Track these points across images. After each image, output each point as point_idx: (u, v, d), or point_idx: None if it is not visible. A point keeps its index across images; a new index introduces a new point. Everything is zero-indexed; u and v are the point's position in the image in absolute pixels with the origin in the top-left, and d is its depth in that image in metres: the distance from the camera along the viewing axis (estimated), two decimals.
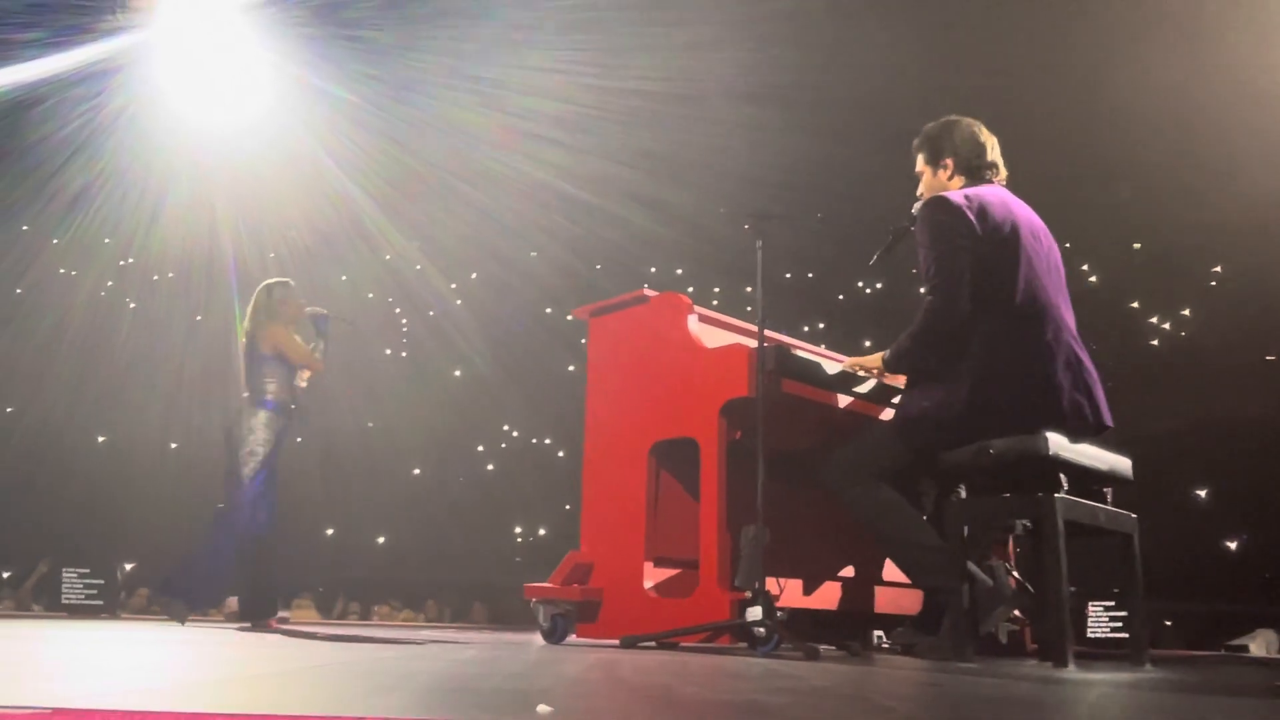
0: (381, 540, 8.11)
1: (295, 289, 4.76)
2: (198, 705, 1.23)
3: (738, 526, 2.83)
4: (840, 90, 6.68)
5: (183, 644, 2.88)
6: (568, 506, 6.81)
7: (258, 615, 4.43)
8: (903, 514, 2.81)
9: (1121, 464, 2.83)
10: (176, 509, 7.02)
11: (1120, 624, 4.87)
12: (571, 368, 7.67)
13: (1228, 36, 5.87)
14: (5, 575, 7.73)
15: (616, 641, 3.06)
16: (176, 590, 4.48)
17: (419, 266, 8.47)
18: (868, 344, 6.49)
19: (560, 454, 7.93)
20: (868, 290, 7.64)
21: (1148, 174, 6.05)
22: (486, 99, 7.58)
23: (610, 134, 7.39)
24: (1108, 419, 2.75)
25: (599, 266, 7.89)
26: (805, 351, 3.31)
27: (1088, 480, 2.72)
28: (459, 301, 8.51)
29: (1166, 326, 6.55)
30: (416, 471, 8.22)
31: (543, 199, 7.87)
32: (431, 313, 8.56)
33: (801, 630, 2.78)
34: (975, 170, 2.94)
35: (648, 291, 3.41)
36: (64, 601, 6.59)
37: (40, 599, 7.19)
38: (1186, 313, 6.51)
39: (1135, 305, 6.65)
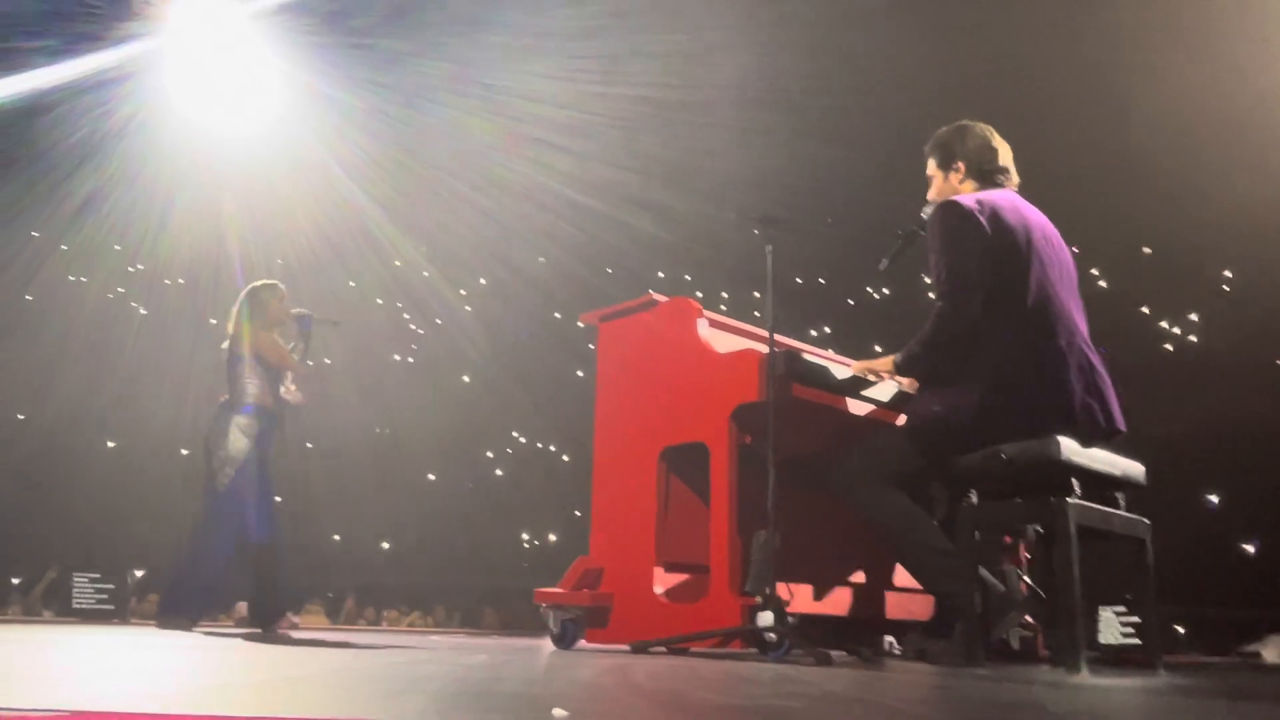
0: (390, 545, 8.12)
1: (280, 290, 4.70)
2: (212, 709, 1.23)
3: (748, 531, 2.82)
4: (848, 95, 6.68)
5: (193, 649, 2.88)
6: (577, 512, 6.81)
7: (266, 620, 4.43)
8: (914, 519, 2.80)
9: (1134, 468, 2.82)
10: (186, 514, 7.03)
11: (1132, 629, 4.84)
12: (580, 373, 7.67)
13: (1236, 37, 5.86)
14: (15, 581, 7.76)
15: (627, 647, 3.06)
16: (169, 608, 4.45)
17: (426, 273, 8.49)
18: (878, 349, 6.48)
19: (568, 459, 7.93)
20: (876, 295, 7.63)
21: (1157, 176, 6.03)
22: (494, 106, 7.59)
23: (617, 140, 7.40)
24: (1120, 423, 2.73)
25: (609, 270, 7.89)
26: (815, 356, 3.31)
27: (1100, 485, 2.71)
28: (468, 308, 8.52)
29: (1176, 330, 6.52)
30: (432, 477, 8.22)
31: (550, 205, 7.88)
32: (439, 320, 8.57)
33: (812, 636, 2.77)
34: (987, 175, 2.93)
35: (657, 296, 3.41)
36: (75, 607, 6.61)
37: (51, 604, 7.22)
38: (1198, 316, 6.48)
39: (1146, 310, 6.62)
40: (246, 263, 7.67)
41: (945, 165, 2.99)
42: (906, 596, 3.43)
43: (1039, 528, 2.78)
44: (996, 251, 2.73)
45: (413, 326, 8.71)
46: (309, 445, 8.04)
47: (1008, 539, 3.37)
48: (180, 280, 8.44)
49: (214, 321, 8.17)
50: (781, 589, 2.78)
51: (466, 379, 8.35)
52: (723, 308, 7.03)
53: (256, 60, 7.41)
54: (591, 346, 3.61)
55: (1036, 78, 6.24)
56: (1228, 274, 6.42)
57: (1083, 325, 2.82)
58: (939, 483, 2.98)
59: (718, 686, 1.76)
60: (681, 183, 7.38)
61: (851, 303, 7.71)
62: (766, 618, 2.65)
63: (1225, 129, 5.86)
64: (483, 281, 8.58)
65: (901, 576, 3.39)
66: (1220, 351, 6.18)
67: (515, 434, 8.36)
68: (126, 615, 6.67)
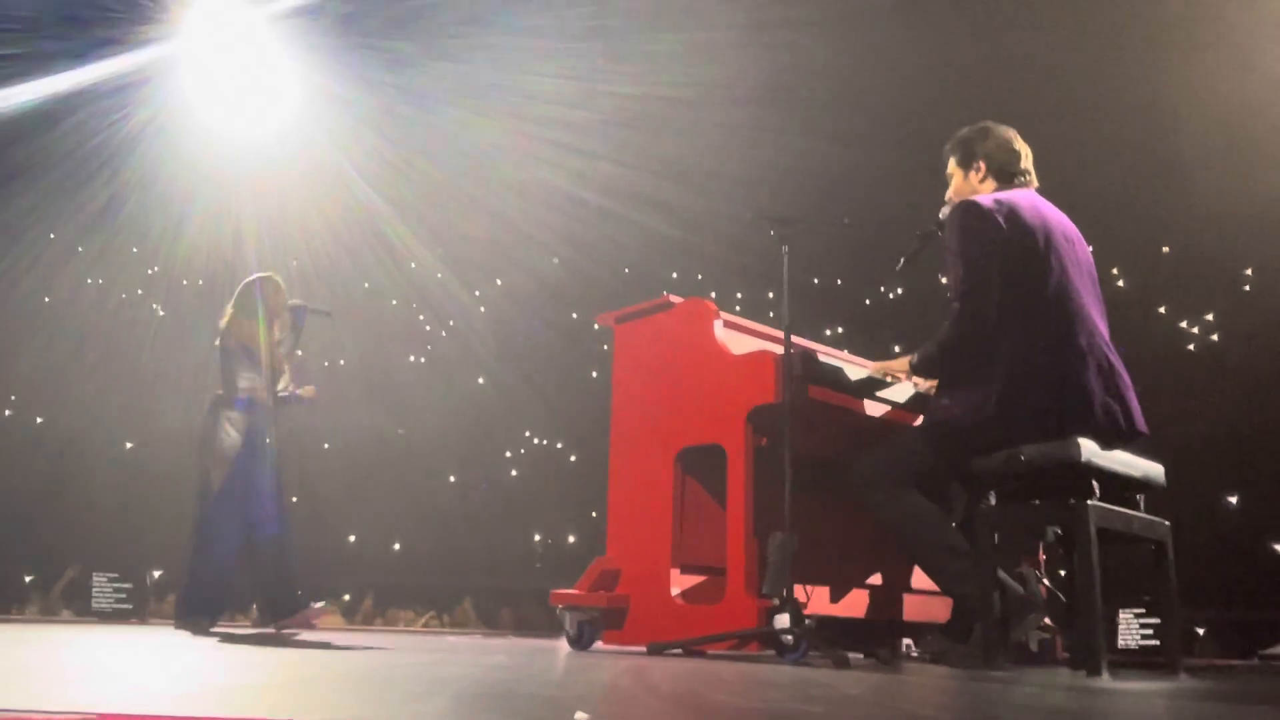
0: (405, 546, 8.15)
1: (275, 282, 4.61)
2: (230, 712, 1.24)
3: (765, 533, 2.82)
4: (865, 93, 6.66)
5: (214, 649, 2.90)
6: (594, 513, 6.81)
7: (278, 616, 4.39)
8: (932, 520, 2.79)
9: (1154, 470, 2.80)
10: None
11: (1152, 632, 4.81)
12: (595, 374, 7.68)
13: (1258, 34, 5.81)
14: (28, 579, 7.81)
15: (643, 648, 3.06)
16: (184, 610, 4.37)
17: (439, 275, 8.51)
18: (896, 349, 6.45)
19: (582, 460, 7.94)
20: (890, 295, 7.60)
21: (1178, 174, 5.98)
22: (508, 107, 7.61)
23: (630, 139, 7.40)
24: (1141, 425, 2.71)
25: (627, 270, 7.89)
26: (831, 357, 3.30)
27: (1120, 487, 2.70)
28: (482, 309, 8.54)
29: (1195, 330, 6.47)
30: (452, 479, 8.24)
31: (563, 205, 7.89)
32: (452, 321, 8.60)
33: (830, 638, 2.76)
34: (1008, 175, 2.92)
35: (673, 298, 3.41)
36: (94, 607, 6.66)
37: (71, 604, 7.27)
38: (1216, 316, 6.42)
39: (1163, 310, 6.57)
40: (262, 265, 7.71)
41: (966, 164, 2.98)
42: (924, 599, 3.42)
43: (1058, 530, 2.75)
44: (1015, 251, 2.72)
45: (427, 328, 8.73)
46: (325, 446, 8.07)
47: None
48: (200, 281, 8.50)
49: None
50: (799, 591, 2.78)
51: (481, 380, 8.37)
52: (737, 308, 7.02)
53: (271, 64, 7.46)
54: (606, 347, 3.61)
55: (1056, 77, 6.20)
56: (1248, 272, 6.36)
57: (1103, 326, 2.80)
58: (957, 484, 2.97)
59: (737, 689, 1.75)
60: (695, 182, 7.37)
61: (868, 303, 7.69)
62: (784, 620, 2.65)
63: (1247, 125, 5.81)
64: (499, 283, 8.59)
65: (919, 578, 3.38)
66: (1241, 351, 6.13)
67: (529, 434, 8.37)
68: (145, 615, 6.71)
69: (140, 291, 8.68)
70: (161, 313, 8.59)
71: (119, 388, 8.16)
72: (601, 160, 7.52)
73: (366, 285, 8.60)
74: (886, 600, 3.43)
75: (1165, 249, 6.58)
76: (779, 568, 2.70)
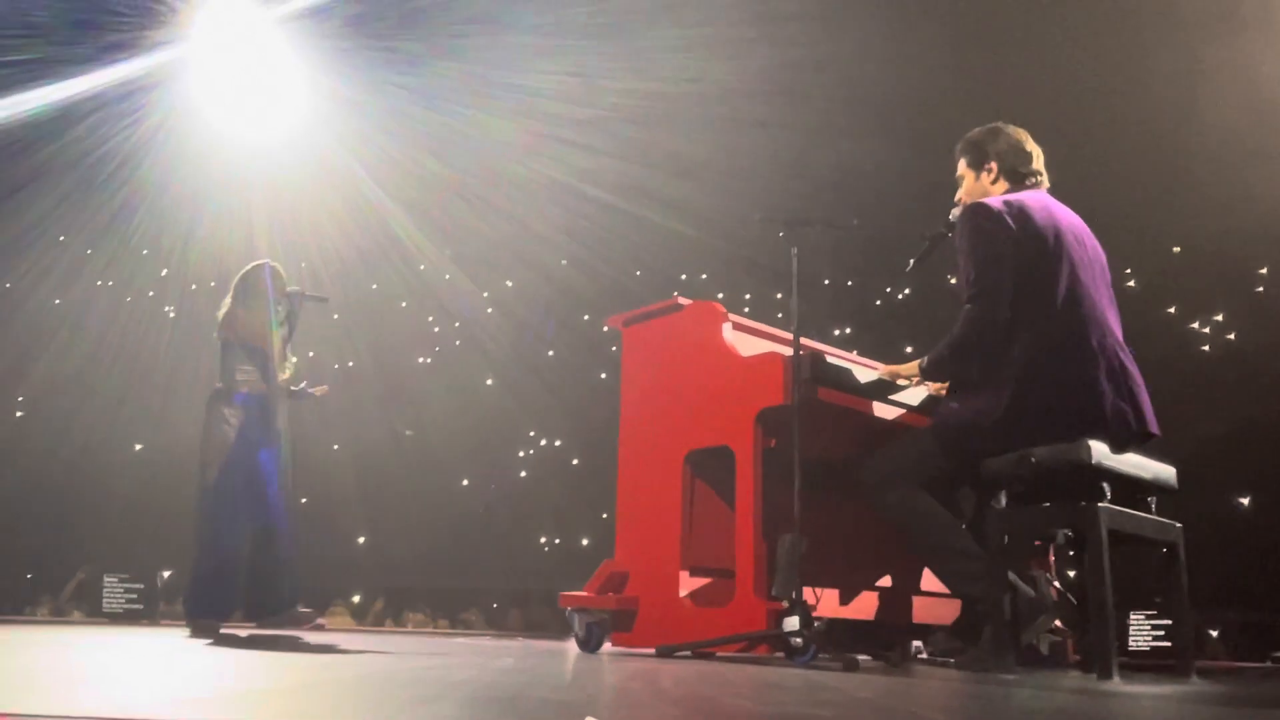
0: (415, 547, 8.16)
1: (269, 269, 4.51)
2: (239, 716, 1.24)
3: (774, 535, 2.81)
4: (875, 89, 6.63)
5: (222, 652, 2.91)
6: (604, 515, 6.82)
7: (256, 615, 4.27)
8: (942, 522, 2.78)
9: (1166, 472, 2.79)
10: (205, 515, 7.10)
11: (1163, 634, 4.79)
12: (604, 375, 7.68)
13: (1270, 33, 5.77)
14: (29, 576, 7.82)
15: (652, 650, 3.06)
16: (192, 611, 4.28)
17: (448, 276, 8.53)
18: (909, 349, 6.43)
19: (591, 462, 7.94)
20: (899, 296, 7.58)
21: (1191, 174, 5.95)
22: (516, 106, 7.62)
23: (638, 137, 7.40)
24: (1153, 426, 2.70)
25: (638, 273, 7.88)
26: (840, 359, 3.29)
27: (1131, 489, 2.68)
28: (489, 310, 8.55)
29: (1207, 330, 6.44)
30: (465, 483, 8.25)
31: (572, 204, 7.89)
32: (457, 324, 8.61)
33: (839, 640, 2.76)
34: (1020, 176, 2.91)
35: (682, 300, 3.41)
36: (105, 608, 6.69)
37: (81, 606, 7.31)
38: (1230, 316, 6.39)
39: (1174, 310, 6.54)
40: (274, 272, 7.74)
41: (977, 165, 2.97)
42: (934, 601, 3.40)
43: (1069, 532, 2.74)
44: (1026, 253, 2.71)
45: (436, 329, 8.75)
46: (335, 447, 8.09)
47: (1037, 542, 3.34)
48: (212, 284, 8.54)
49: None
50: (808, 593, 2.77)
51: (490, 381, 8.38)
52: (746, 309, 7.01)
53: (281, 66, 7.49)
54: (614, 348, 3.61)
55: (1068, 75, 6.17)
56: (1263, 272, 6.32)
57: (1116, 327, 2.78)
58: (967, 486, 2.96)
59: (747, 693, 1.75)
60: (705, 179, 7.36)
61: (878, 304, 7.67)
62: (793, 622, 2.64)
63: (1260, 125, 5.78)
64: (509, 284, 8.60)
65: (929, 580, 3.37)
66: (1254, 351, 6.09)
67: (534, 434, 8.38)
68: (156, 616, 6.74)
69: (152, 294, 8.72)
70: (173, 315, 8.63)
71: (130, 390, 8.20)
72: (610, 157, 7.52)
73: (374, 286, 8.62)
74: (896, 602, 3.41)
75: (1176, 249, 6.55)
76: (788, 570, 2.69)
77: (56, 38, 6.80)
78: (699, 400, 3.20)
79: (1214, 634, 5.63)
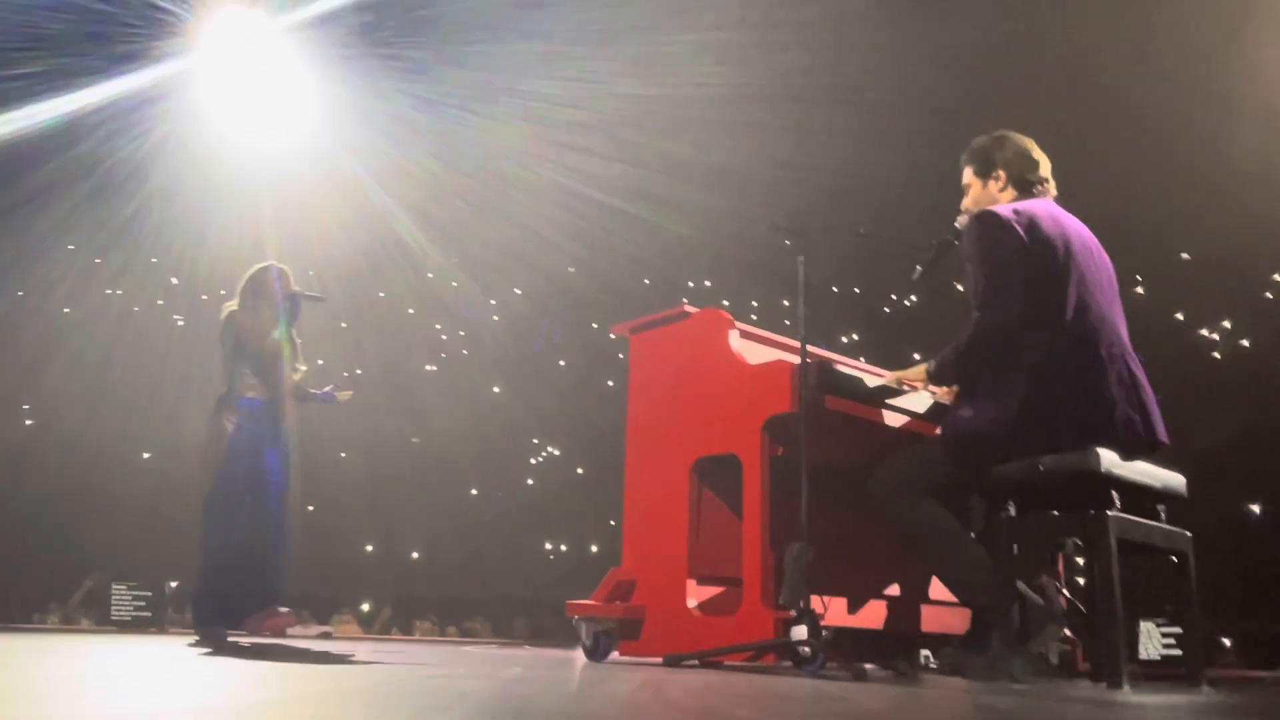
0: (422, 555, 8.17)
1: (275, 270, 4.44)
2: None
3: (781, 544, 2.80)
4: (882, 94, 6.64)
5: (228, 662, 2.91)
6: (612, 521, 6.81)
7: (216, 619, 4.16)
8: (950, 531, 2.77)
9: (1175, 480, 2.77)
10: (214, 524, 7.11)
11: (1173, 643, 4.76)
12: (611, 382, 7.68)
13: (1274, 37, 5.76)
14: (45, 588, 7.85)
15: (659, 660, 3.05)
16: (199, 620, 4.26)
17: (455, 283, 8.55)
18: (916, 356, 6.42)
19: (599, 469, 7.94)
20: (906, 303, 7.58)
21: (1197, 181, 5.93)
22: (522, 112, 7.64)
23: (645, 143, 7.41)
24: (1162, 435, 2.69)
25: (647, 281, 7.89)
26: (847, 366, 3.29)
27: (1141, 497, 2.67)
28: (495, 318, 8.56)
29: (1215, 337, 6.41)
30: (474, 492, 8.26)
31: (579, 209, 7.90)
32: (462, 333, 8.63)
33: (847, 649, 2.75)
34: (1027, 184, 2.90)
35: (688, 308, 3.41)
36: (113, 616, 6.70)
37: (89, 614, 7.33)
38: (1238, 323, 6.36)
39: (1182, 317, 6.52)
40: (281, 274, 7.76)
41: (984, 173, 2.96)
42: (943, 610, 3.39)
43: (1078, 540, 2.73)
44: (1035, 262, 2.70)
45: (444, 337, 8.77)
46: (343, 455, 8.11)
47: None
48: (221, 292, 8.57)
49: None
50: (815, 602, 2.76)
51: (497, 389, 8.39)
52: (753, 316, 7.01)
53: (288, 75, 7.53)
54: (621, 356, 3.61)
55: (1077, 82, 6.17)
56: (1276, 278, 6.30)
57: (1124, 335, 2.77)
58: (976, 494, 2.95)
59: (755, 704, 1.75)
60: (711, 184, 7.37)
61: (886, 311, 7.66)
62: (800, 631, 2.63)
63: (1269, 132, 5.76)
64: (517, 291, 8.62)
65: (937, 589, 3.36)
66: (1264, 358, 6.07)
67: (542, 442, 8.38)
68: (164, 624, 6.75)
69: (161, 303, 8.76)
70: (182, 324, 8.67)
71: (140, 399, 8.23)
72: (616, 163, 7.53)
73: (382, 294, 8.65)
74: (904, 611, 3.40)
75: (1185, 255, 6.54)
76: (796, 578, 2.68)
77: (67, 50, 6.84)
78: (706, 408, 3.19)
79: (1226, 642, 5.60)
